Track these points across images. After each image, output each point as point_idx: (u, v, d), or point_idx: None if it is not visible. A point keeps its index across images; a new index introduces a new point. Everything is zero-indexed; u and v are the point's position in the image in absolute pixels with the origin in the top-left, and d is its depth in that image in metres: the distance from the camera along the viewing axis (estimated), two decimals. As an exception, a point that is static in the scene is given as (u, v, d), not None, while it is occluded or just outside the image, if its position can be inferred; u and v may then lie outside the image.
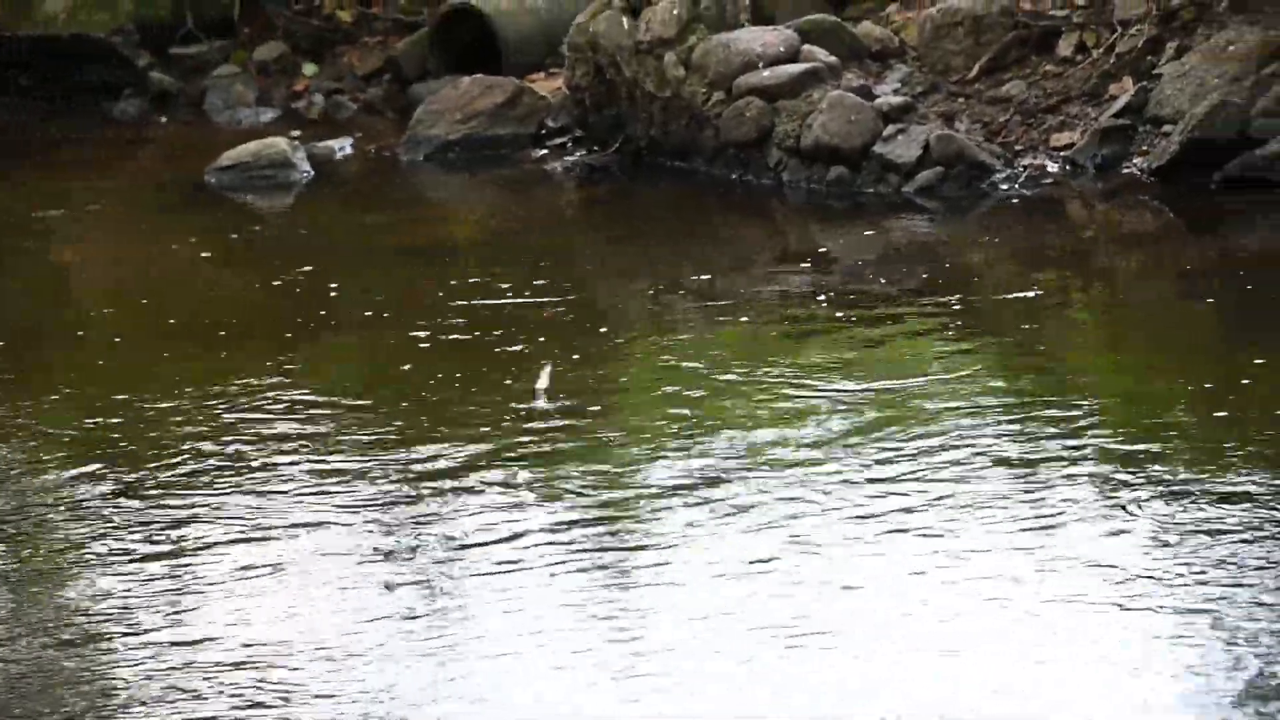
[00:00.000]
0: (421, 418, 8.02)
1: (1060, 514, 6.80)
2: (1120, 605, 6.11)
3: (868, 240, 10.85)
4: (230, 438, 7.78)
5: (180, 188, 12.16)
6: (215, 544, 6.68)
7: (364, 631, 5.99)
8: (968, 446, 7.52)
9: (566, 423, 7.93)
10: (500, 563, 6.49)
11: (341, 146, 12.84)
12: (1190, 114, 11.18)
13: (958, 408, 8.03)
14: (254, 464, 7.55)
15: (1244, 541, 6.54)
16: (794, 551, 6.59)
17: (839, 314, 9.47)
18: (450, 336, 9.24)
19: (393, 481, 7.29)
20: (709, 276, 10.33)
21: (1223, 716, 5.44)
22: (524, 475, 7.34)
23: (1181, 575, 6.35)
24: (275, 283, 10.25)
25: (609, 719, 5.53)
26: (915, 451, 7.50)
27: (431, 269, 10.55)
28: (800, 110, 11.61)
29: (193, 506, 7.00)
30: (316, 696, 5.61)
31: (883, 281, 10.14)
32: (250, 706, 5.52)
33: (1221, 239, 10.70)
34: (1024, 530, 6.71)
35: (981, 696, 5.59)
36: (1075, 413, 7.89)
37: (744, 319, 9.52)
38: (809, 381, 8.38)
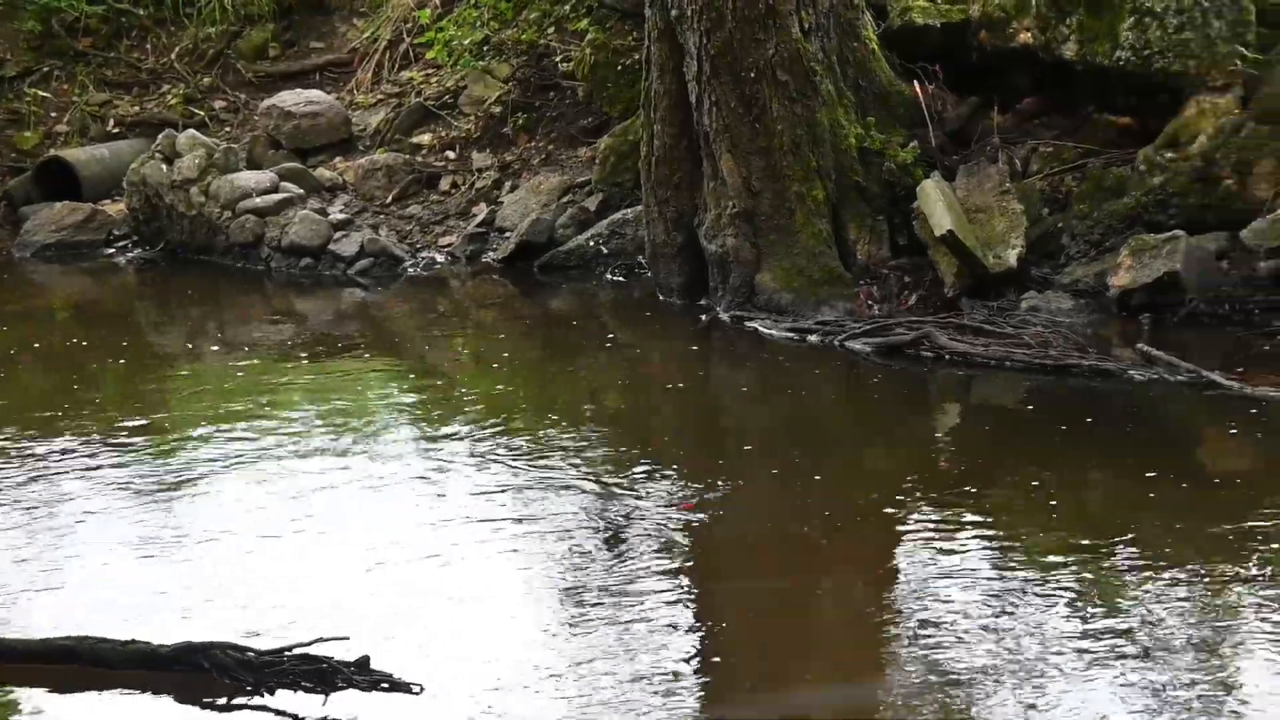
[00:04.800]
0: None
1: (449, 462, 6.94)
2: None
3: (326, 304, 11.00)
4: None
5: None
6: None
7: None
8: (392, 428, 7.66)
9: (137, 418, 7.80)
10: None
11: (-30, 251, 12.23)
12: (520, 225, 11.49)
13: (382, 401, 8.26)
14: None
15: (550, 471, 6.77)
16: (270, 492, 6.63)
17: (312, 347, 9.50)
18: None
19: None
20: (225, 325, 10.38)
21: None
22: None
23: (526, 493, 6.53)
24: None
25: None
26: (361, 427, 7.57)
27: (34, 325, 10.43)
28: (281, 223, 11.77)
29: None
30: None
31: (337, 330, 10.24)
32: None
33: (539, 300, 10.84)
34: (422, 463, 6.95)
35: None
36: (461, 408, 8.10)
37: (250, 351, 9.47)
38: (294, 388, 8.52)
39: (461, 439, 7.43)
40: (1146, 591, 5.37)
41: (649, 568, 5.68)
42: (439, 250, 11.88)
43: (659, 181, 10.05)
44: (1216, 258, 9.10)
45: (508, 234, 11.72)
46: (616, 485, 6.66)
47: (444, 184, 12.48)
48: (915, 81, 10.32)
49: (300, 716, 4.74)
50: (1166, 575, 5.49)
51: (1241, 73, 9.42)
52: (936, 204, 9.52)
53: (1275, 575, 5.53)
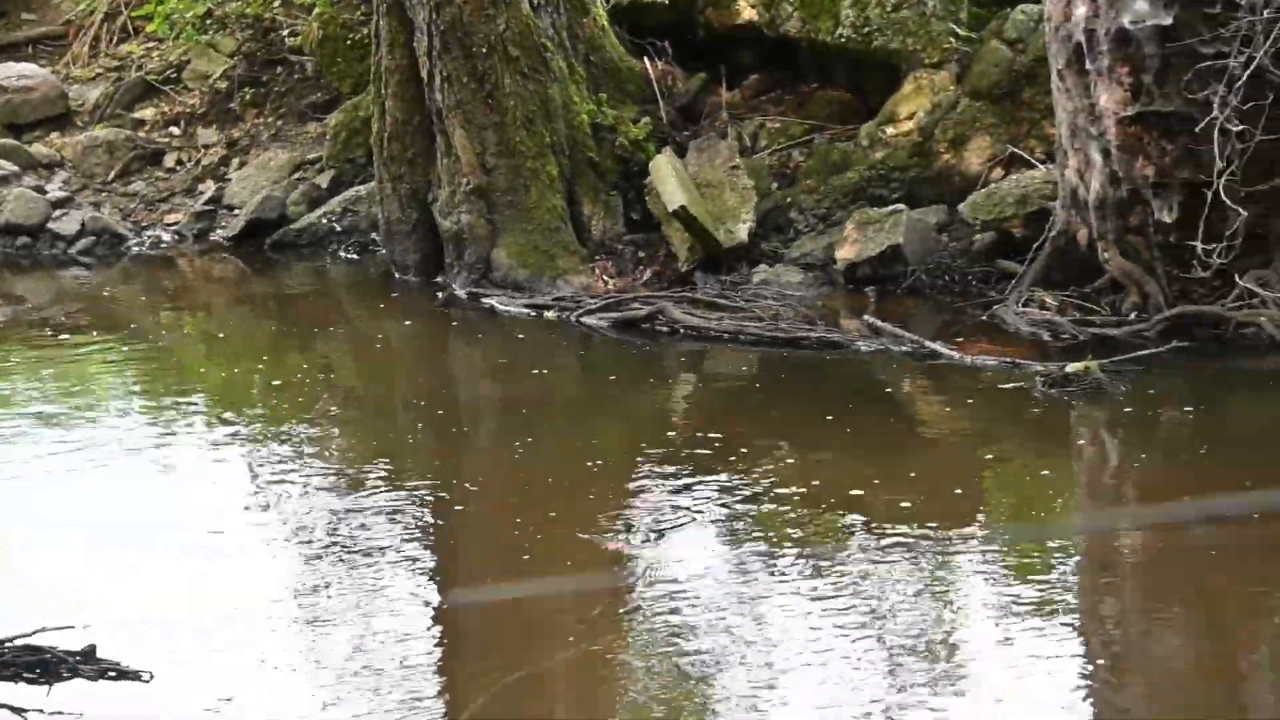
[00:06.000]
0: None
1: (182, 450, 6.83)
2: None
3: (46, 285, 10.76)
4: None
5: None
6: None
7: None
8: (119, 415, 7.45)
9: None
10: None
11: None
12: (250, 203, 11.37)
13: (108, 386, 8.03)
14: None
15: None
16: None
17: (30, 330, 9.25)
18: None
19: None
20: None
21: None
22: None
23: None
24: None
25: None
26: (86, 414, 7.49)
27: None
28: (-5, 202, 11.37)
29: None
30: None
31: (58, 311, 9.98)
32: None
33: (271, 279, 10.64)
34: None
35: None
36: (192, 393, 8.08)
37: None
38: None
39: (194, 425, 7.34)
40: (874, 561, 5.45)
41: (391, 556, 5.62)
42: (165, 229, 11.71)
43: (391, 157, 9.98)
44: (937, 230, 9.46)
45: (237, 211, 11.56)
46: (355, 470, 6.58)
47: (169, 161, 12.27)
48: (645, 58, 10.46)
49: (21, 709, 4.56)
50: (894, 542, 5.58)
51: (955, 50, 9.77)
52: (669, 179, 9.67)
53: (1003, 539, 5.69)
